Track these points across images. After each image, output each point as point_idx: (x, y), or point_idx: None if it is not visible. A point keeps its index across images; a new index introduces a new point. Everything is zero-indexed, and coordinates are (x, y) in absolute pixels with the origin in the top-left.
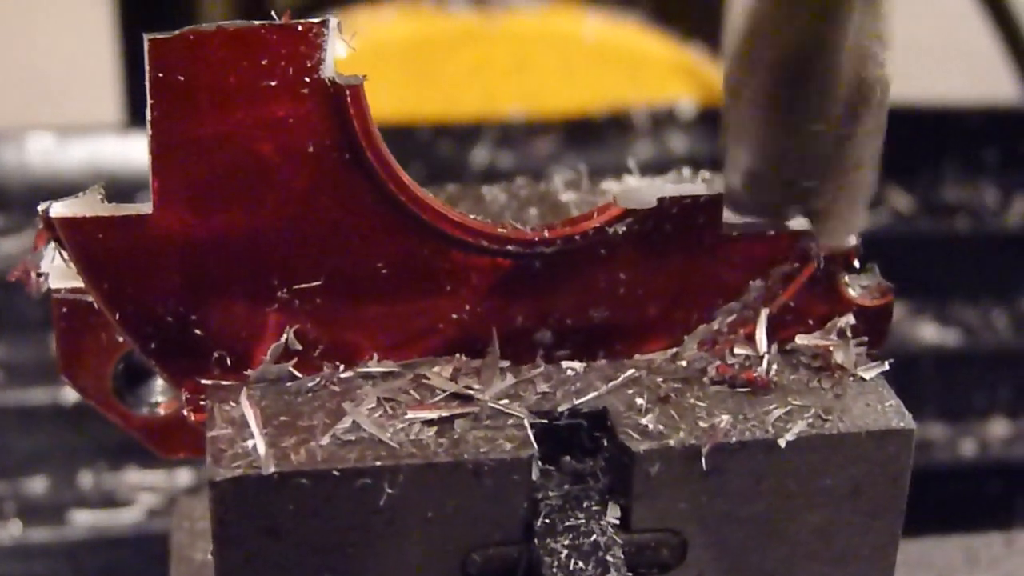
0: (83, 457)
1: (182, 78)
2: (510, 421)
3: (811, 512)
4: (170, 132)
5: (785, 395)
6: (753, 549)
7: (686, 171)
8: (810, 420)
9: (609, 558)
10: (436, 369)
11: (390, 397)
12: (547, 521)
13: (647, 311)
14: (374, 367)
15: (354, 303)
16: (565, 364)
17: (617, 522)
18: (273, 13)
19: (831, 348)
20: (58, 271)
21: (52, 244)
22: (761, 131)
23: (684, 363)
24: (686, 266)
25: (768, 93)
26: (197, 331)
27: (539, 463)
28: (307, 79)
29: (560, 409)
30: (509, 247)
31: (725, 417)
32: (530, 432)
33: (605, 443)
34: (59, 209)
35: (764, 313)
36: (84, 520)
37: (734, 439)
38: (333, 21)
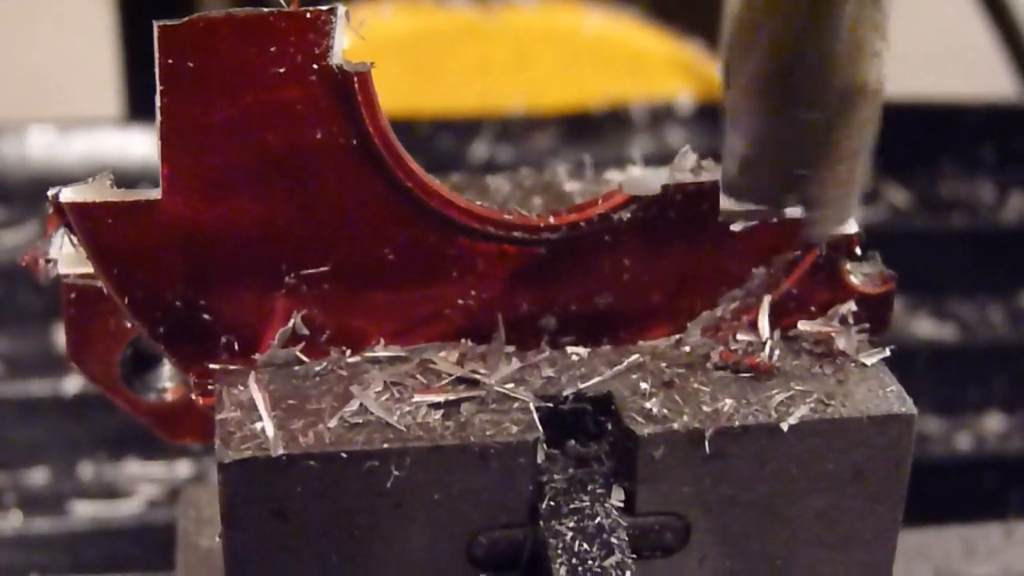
0: (83, 448)
1: (191, 64)
2: (515, 405)
3: (813, 496)
4: (179, 118)
5: (787, 380)
6: (756, 533)
7: (691, 156)
8: (812, 405)
9: (613, 540)
10: (442, 354)
11: (397, 381)
12: (552, 504)
13: (651, 298)
14: (381, 352)
15: (361, 289)
16: (570, 350)
17: (621, 505)
18: (282, 1)
19: (833, 334)
20: (67, 257)
21: (61, 230)
22: (754, 118)
23: (688, 349)
24: (690, 253)
25: (761, 79)
26: (205, 316)
27: (544, 446)
28: (315, 66)
29: (565, 393)
30: (515, 233)
31: (728, 401)
32: (535, 416)
33: (609, 427)
34: (69, 194)
35: (767, 300)
36: (84, 511)
37: (737, 423)
38: (341, 9)
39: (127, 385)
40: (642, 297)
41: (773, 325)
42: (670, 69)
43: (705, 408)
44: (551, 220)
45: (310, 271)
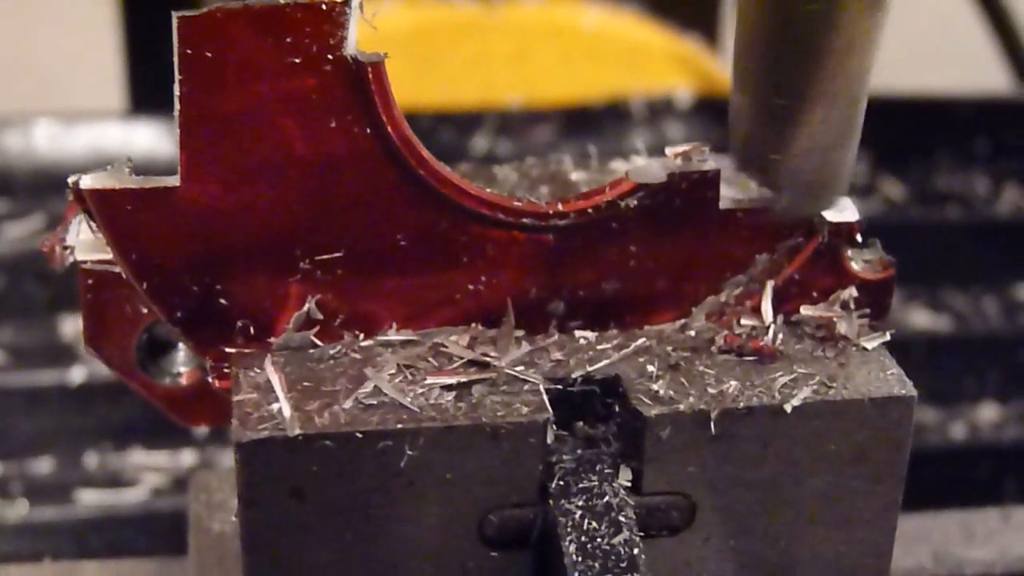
0: (88, 438)
1: (209, 55)
2: (526, 387)
3: (816, 476)
4: (197, 107)
5: (791, 363)
6: (760, 513)
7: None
8: (815, 387)
9: (622, 519)
10: (453, 338)
11: (409, 364)
12: (561, 483)
13: (656, 283)
14: (393, 336)
15: (374, 274)
16: (578, 333)
17: (629, 485)
18: None
19: (835, 319)
20: (85, 244)
21: (78, 218)
22: (736, 101)
23: (693, 333)
24: (694, 240)
25: (740, 64)
26: (222, 300)
27: (554, 427)
28: (330, 56)
29: (574, 376)
30: (524, 220)
31: (733, 383)
32: (545, 397)
33: (617, 409)
34: (89, 181)
35: (770, 285)
36: (90, 499)
37: (742, 404)
38: (355, 0)
39: (143, 370)
40: (648, 283)
41: (776, 310)
42: (669, 64)
43: (711, 390)
44: (560, 207)
45: (324, 257)
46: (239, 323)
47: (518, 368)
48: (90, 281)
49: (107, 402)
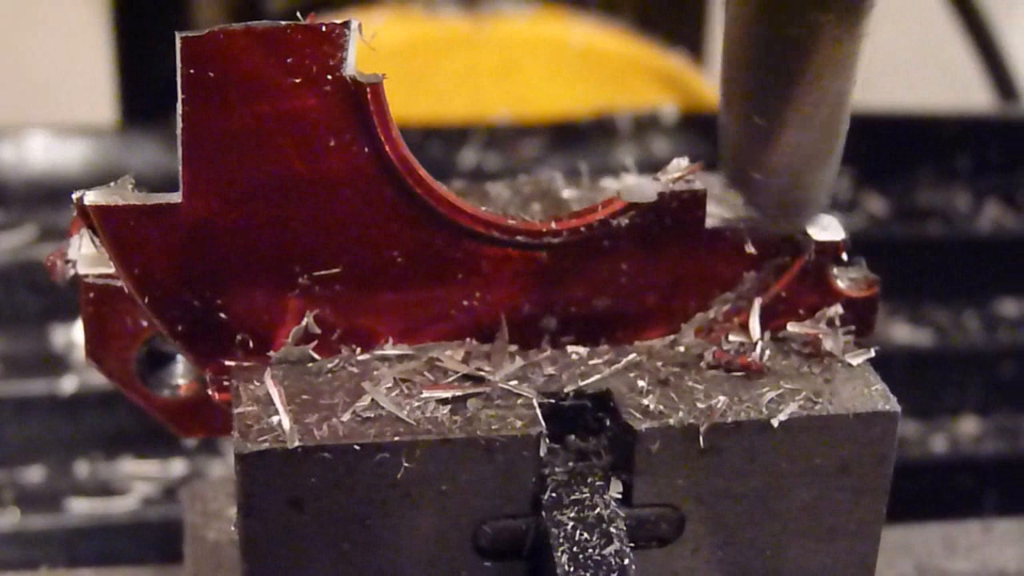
0: (79, 447)
1: (212, 74)
2: (519, 401)
3: (801, 489)
4: (200, 125)
5: (778, 379)
6: (747, 524)
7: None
8: (801, 402)
9: (612, 530)
10: (448, 352)
11: (406, 378)
12: (554, 495)
13: (647, 300)
14: (390, 350)
15: (371, 290)
16: (570, 349)
17: (619, 497)
18: (298, 14)
19: (821, 336)
20: (87, 258)
21: (80, 233)
22: (723, 121)
23: (682, 349)
24: (684, 258)
25: (725, 84)
26: (222, 315)
27: (547, 440)
28: (329, 76)
29: (566, 390)
30: (519, 238)
31: (722, 398)
32: (538, 411)
33: (608, 423)
34: (93, 197)
35: (757, 302)
36: (80, 508)
37: (730, 419)
38: (355, 22)
39: (142, 382)
40: (638, 299)
41: (763, 327)
42: (655, 79)
43: (700, 405)
44: (553, 225)
45: (322, 273)
46: (238, 337)
47: (512, 382)
48: (91, 295)
49: (98, 411)
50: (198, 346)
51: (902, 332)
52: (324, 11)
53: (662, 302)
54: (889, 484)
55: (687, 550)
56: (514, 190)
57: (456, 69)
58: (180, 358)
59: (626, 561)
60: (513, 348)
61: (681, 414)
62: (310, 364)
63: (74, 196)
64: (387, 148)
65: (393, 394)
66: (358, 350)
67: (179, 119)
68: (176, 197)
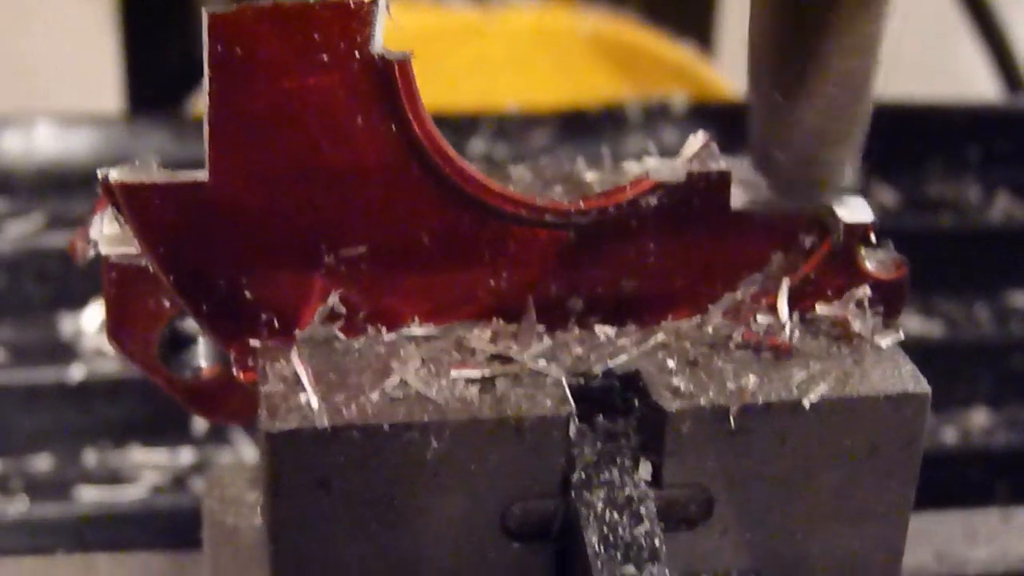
0: (88, 435)
1: (238, 52)
2: (548, 381)
3: (830, 472)
4: (226, 104)
5: (807, 360)
6: (775, 507)
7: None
8: (832, 383)
9: (642, 510)
10: (476, 332)
11: (433, 357)
12: (583, 476)
13: (674, 281)
14: (416, 330)
15: (397, 270)
16: (597, 329)
17: (649, 478)
18: None
19: (849, 317)
20: (109, 238)
21: (101, 213)
22: (750, 100)
23: (710, 330)
24: (711, 238)
25: (750, 62)
26: (247, 294)
27: (576, 421)
28: (357, 54)
29: (595, 371)
30: (546, 218)
31: (752, 379)
32: (568, 391)
33: (637, 403)
34: (117, 175)
35: (785, 283)
36: (89, 496)
37: (760, 400)
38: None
39: (164, 364)
40: (666, 280)
41: (791, 308)
42: (664, 70)
43: (729, 385)
44: (581, 205)
45: (349, 253)
46: (263, 316)
47: (540, 362)
48: (114, 275)
49: (106, 400)
50: (223, 326)
51: (913, 323)
52: None
53: (689, 283)
54: (919, 467)
55: (715, 532)
56: (536, 173)
57: (465, 59)
58: (202, 340)
59: (656, 542)
60: (540, 329)
61: (711, 394)
62: (336, 344)
63: (99, 173)
64: (415, 127)
65: (421, 373)
66: (384, 330)
67: (205, 97)
68: (202, 175)
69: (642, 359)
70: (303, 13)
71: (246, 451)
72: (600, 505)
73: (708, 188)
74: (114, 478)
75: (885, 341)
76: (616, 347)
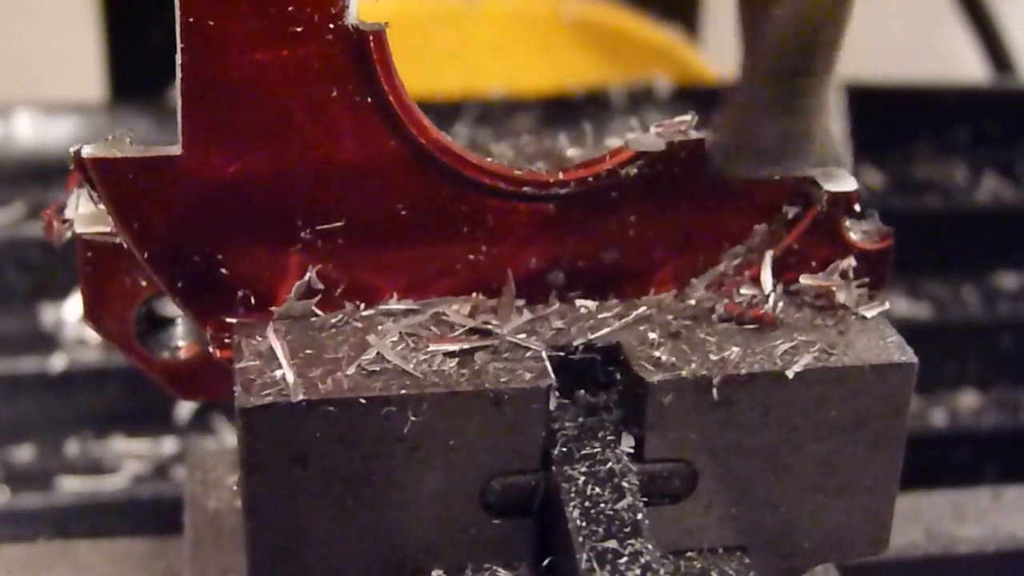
0: (70, 425)
1: (211, 23)
2: (528, 354)
3: (816, 444)
4: (199, 76)
5: (791, 331)
6: (760, 480)
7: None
8: (816, 354)
9: (624, 484)
10: (455, 307)
11: (411, 332)
12: (564, 450)
13: (655, 254)
14: (394, 305)
15: (374, 244)
16: (578, 303)
17: (631, 452)
18: None
19: (834, 288)
20: (84, 216)
21: (77, 192)
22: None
23: (693, 302)
24: (693, 210)
25: (741, 43)
26: (222, 270)
27: (556, 394)
28: (331, 25)
29: (575, 344)
30: (525, 189)
31: (735, 350)
32: (548, 364)
33: (618, 377)
34: (91, 150)
35: (769, 255)
36: (71, 486)
37: (744, 371)
38: None
39: (141, 343)
40: (647, 253)
41: (776, 280)
42: (648, 53)
43: (712, 357)
44: (560, 176)
45: (325, 227)
46: (240, 293)
47: (520, 336)
48: (89, 253)
49: (88, 389)
50: (198, 303)
51: (900, 305)
52: None
53: (671, 256)
54: (904, 439)
55: (700, 506)
56: (517, 150)
57: (448, 44)
58: (180, 320)
59: (639, 516)
60: (520, 303)
61: (694, 366)
62: (313, 319)
63: (71, 149)
64: (391, 97)
65: (399, 348)
66: (362, 305)
67: (178, 69)
68: (176, 149)
69: (623, 332)
70: None
71: (229, 439)
72: (581, 479)
73: (689, 158)
74: (96, 468)
75: (870, 312)
76: (597, 320)
